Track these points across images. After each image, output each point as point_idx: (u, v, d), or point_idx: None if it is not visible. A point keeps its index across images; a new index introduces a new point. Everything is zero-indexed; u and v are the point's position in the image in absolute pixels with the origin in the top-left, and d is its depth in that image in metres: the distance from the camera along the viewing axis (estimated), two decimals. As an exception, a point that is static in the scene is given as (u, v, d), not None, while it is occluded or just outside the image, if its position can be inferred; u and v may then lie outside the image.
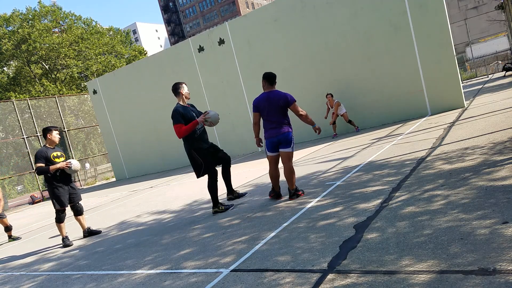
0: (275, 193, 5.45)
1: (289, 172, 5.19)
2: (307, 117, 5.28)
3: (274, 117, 5.07)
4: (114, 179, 19.47)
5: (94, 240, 5.94)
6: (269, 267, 3.10)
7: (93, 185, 20.21)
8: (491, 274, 2.20)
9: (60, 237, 6.15)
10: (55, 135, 5.95)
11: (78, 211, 6.12)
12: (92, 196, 13.74)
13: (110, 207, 9.31)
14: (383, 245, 2.97)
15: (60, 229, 5.94)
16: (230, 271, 3.24)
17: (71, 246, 5.89)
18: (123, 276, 3.85)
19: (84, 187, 20.46)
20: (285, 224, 4.14)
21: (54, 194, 5.86)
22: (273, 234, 3.92)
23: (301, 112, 5.14)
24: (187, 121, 5.32)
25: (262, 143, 5.57)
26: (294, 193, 5.23)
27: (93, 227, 6.90)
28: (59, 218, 5.89)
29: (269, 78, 5.21)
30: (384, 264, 2.66)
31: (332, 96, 11.66)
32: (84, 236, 6.28)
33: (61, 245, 6.01)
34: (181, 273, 3.49)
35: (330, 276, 2.69)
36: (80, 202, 6.17)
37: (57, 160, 5.86)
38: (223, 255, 3.69)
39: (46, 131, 5.93)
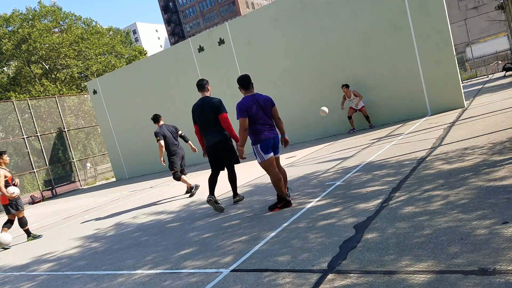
0: (285, 201, 4.89)
1: (285, 174, 5.14)
2: (282, 123, 5.10)
3: (267, 119, 4.86)
4: (114, 179, 19.47)
5: (94, 240, 5.94)
6: (269, 267, 3.11)
7: (93, 185, 20.21)
8: (491, 274, 2.20)
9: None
10: (161, 120, 8.07)
11: (183, 171, 8.08)
12: (92, 196, 13.74)
13: (110, 207, 9.31)
14: (383, 245, 2.97)
15: (184, 181, 7.78)
16: (230, 271, 3.25)
17: (71, 248, 5.92)
18: (123, 276, 3.85)
19: (84, 187, 20.47)
20: (285, 224, 4.14)
21: (170, 160, 7.84)
22: (273, 234, 3.92)
23: (279, 116, 5.04)
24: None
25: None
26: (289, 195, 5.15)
27: (95, 228, 6.92)
28: (176, 177, 7.82)
29: (244, 82, 4.93)
30: (384, 264, 2.66)
31: (348, 87, 11.44)
32: (187, 192, 7.90)
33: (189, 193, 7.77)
34: (181, 273, 3.50)
35: (330, 276, 2.69)
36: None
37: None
38: (223, 255, 3.69)
39: (155, 120, 8.04)
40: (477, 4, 39.69)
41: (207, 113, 5.62)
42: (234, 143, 5.78)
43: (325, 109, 9.11)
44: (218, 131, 5.63)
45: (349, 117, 11.70)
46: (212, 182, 5.79)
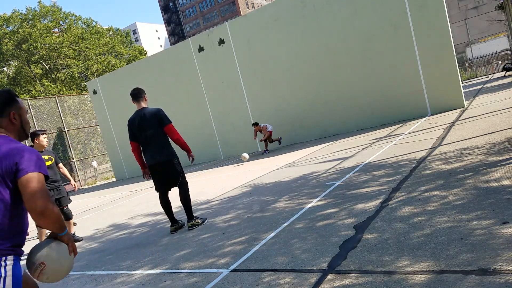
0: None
1: None
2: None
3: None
4: (114, 179, 19.46)
5: (93, 240, 5.94)
6: (269, 267, 3.10)
7: (93, 185, 20.21)
8: (491, 274, 2.20)
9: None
10: (42, 139, 5.83)
11: (65, 215, 5.94)
12: (92, 196, 13.74)
13: (110, 207, 9.31)
14: (382, 245, 2.97)
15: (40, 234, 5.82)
16: (230, 271, 3.24)
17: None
18: (123, 276, 3.84)
19: (84, 187, 20.46)
20: (285, 225, 4.14)
21: None
22: (272, 234, 3.92)
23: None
24: None
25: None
26: None
27: (94, 228, 6.92)
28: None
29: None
30: (384, 264, 2.66)
31: (257, 124, 12.44)
32: None
33: None
34: (181, 273, 3.49)
35: (329, 276, 2.69)
36: (68, 206, 6.05)
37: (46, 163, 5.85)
38: (223, 255, 3.69)
39: (34, 135, 5.80)
40: (477, 4, 39.70)
41: (147, 126, 4.80)
42: (178, 160, 5.07)
43: (246, 155, 10.85)
44: (159, 149, 4.84)
45: (264, 140, 12.55)
46: (166, 206, 5.02)
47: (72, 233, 6.06)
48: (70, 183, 6.41)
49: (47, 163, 5.84)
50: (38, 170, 1.91)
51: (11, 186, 1.87)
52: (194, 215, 5.42)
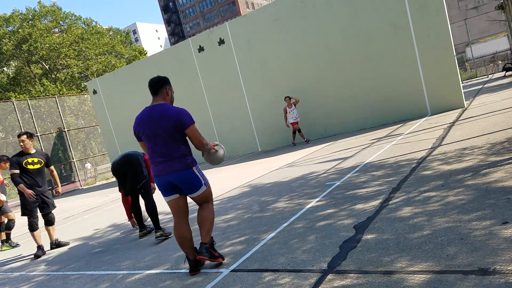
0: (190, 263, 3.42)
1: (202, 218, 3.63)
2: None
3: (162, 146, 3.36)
4: (114, 179, 19.47)
5: (93, 240, 5.94)
6: (269, 267, 3.11)
7: (93, 185, 20.21)
8: (491, 274, 2.20)
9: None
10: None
11: (48, 221, 5.89)
12: (92, 196, 13.74)
13: (110, 207, 9.31)
14: (382, 246, 2.97)
15: (34, 237, 5.73)
16: (230, 271, 3.25)
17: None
18: (123, 276, 3.85)
19: (84, 187, 20.46)
20: (285, 225, 4.14)
21: (21, 202, 5.66)
22: (272, 234, 3.92)
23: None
24: None
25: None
26: (208, 249, 3.37)
27: (94, 228, 6.91)
28: (32, 226, 5.69)
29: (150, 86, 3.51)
30: (384, 264, 2.66)
31: (290, 98, 11.92)
32: (51, 248, 5.97)
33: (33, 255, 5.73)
34: (181, 273, 3.50)
35: (329, 276, 2.69)
36: (52, 212, 5.94)
37: (29, 167, 5.64)
38: (223, 255, 3.68)
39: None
40: (477, 4, 39.68)
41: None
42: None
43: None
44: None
45: (294, 132, 12.23)
46: (136, 212, 5.42)
47: (55, 238, 5.99)
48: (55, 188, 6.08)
49: (36, 166, 5.71)
50: (193, 122, 3.33)
51: (182, 133, 3.31)
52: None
